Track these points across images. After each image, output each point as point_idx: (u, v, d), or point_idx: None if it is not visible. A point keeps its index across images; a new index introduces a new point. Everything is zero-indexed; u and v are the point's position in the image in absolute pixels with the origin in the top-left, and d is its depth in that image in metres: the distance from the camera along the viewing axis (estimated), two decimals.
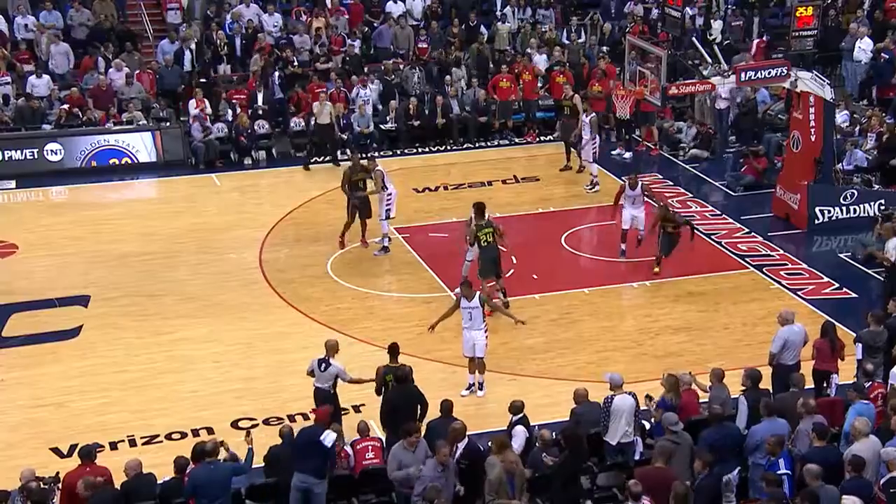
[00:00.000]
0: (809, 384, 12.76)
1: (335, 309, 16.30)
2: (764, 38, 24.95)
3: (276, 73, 23.75)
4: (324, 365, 12.44)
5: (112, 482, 10.70)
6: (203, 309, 16.41)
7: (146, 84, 23.39)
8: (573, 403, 11.92)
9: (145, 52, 24.75)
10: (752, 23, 25.79)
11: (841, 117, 21.32)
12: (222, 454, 10.76)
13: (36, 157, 21.97)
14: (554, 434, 11.32)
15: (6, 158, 21.85)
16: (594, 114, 21.12)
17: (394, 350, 12.81)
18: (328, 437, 10.92)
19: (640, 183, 17.65)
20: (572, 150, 21.82)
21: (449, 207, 19.89)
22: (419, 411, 11.95)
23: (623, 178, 18.81)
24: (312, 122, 22.34)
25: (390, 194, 17.83)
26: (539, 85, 24.08)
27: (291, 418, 13.01)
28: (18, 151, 21.91)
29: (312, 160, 22.38)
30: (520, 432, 11.50)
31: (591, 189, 20.67)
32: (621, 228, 17.70)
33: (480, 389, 13.99)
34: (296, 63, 24.15)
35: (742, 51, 24.30)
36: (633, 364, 14.47)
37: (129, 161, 22.35)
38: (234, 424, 13.24)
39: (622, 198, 17.62)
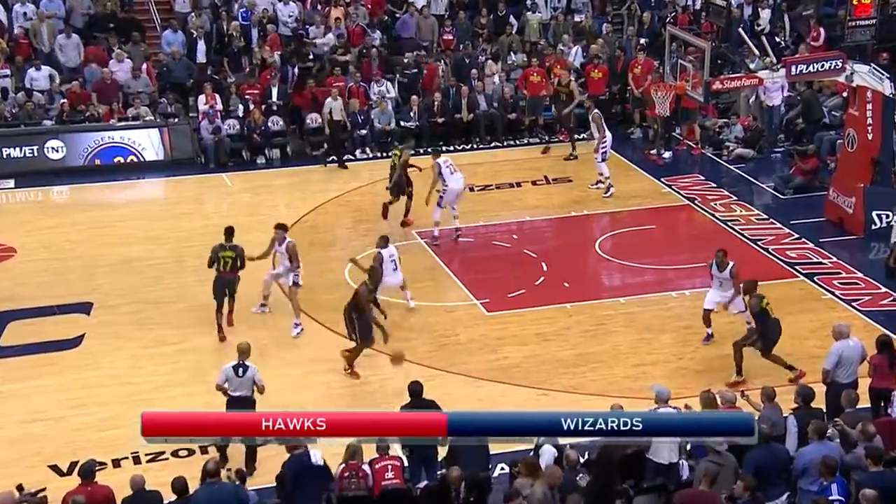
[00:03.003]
0: (866, 402, 12.67)
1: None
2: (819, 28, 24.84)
3: (296, 67, 23.80)
4: (241, 370, 12.72)
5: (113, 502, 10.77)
6: (212, 317, 16.45)
7: (151, 77, 23.50)
8: None
9: (152, 44, 24.86)
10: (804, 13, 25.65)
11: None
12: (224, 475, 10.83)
13: (36, 154, 22.11)
14: (581, 456, 11.30)
15: (4, 156, 21.99)
16: (597, 111, 21.06)
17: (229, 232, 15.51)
18: (316, 456, 10.98)
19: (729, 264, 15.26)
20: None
21: (475, 210, 19.80)
22: None
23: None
24: (327, 118, 22.30)
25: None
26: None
27: None
28: (17, 149, 22.05)
29: (330, 158, 22.44)
30: (548, 451, 11.48)
31: (605, 194, 20.48)
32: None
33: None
34: (311, 56, 24.20)
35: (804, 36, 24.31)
36: (671, 379, 14.37)
37: (135, 159, 22.48)
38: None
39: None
